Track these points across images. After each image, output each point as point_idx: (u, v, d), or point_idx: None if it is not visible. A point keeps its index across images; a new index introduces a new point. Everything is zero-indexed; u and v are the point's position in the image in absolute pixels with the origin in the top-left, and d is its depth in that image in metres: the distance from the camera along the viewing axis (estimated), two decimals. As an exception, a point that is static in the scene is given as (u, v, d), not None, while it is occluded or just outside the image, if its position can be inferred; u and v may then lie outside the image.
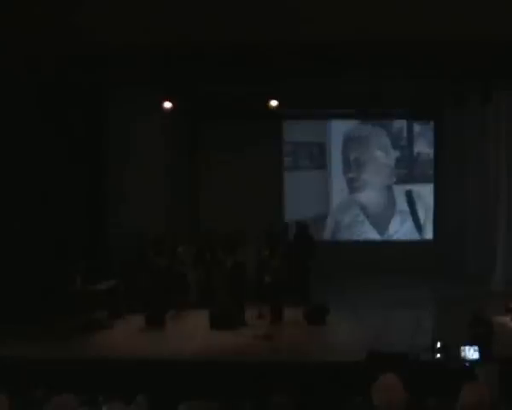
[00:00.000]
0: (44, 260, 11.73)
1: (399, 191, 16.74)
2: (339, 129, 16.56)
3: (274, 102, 13.13)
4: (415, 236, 16.45)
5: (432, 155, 16.34)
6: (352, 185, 16.84)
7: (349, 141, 16.75)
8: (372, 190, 16.78)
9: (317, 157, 16.61)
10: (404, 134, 16.44)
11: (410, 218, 16.67)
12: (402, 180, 16.73)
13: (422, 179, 16.52)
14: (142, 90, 12.58)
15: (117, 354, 9.86)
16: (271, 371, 8.70)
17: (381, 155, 16.69)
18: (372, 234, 16.55)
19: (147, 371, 8.71)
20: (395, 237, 16.39)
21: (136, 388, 6.80)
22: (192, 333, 11.13)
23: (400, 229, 16.61)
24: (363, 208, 16.78)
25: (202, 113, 15.25)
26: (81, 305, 11.34)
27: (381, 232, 16.64)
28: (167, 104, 13.23)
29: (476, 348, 8.31)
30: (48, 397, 5.74)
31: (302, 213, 15.68)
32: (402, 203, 16.77)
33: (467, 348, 8.34)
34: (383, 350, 8.64)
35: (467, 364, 8.21)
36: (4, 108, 10.77)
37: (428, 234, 16.49)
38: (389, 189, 16.79)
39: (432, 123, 16.23)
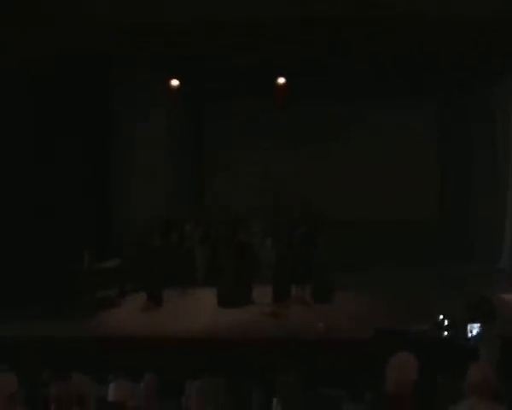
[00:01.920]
0: (52, 239, 11.87)
1: (407, 171, 16.18)
2: (342, 114, 16.16)
3: (282, 80, 13.10)
4: (421, 215, 16.00)
5: (439, 140, 16.12)
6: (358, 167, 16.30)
7: (354, 126, 16.18)
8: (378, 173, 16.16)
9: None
10: (413, 119, 15.94)
11: (416, 197, 16.13)
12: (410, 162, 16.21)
13: (430, 162, 16.24)
14: (147, 72, 12.83)
15: (125, 332, 9.93)
16: (278, 348, 8.80)
17: (388, 140, 16.16)
18: (378, 213, 16.10)
19: (154, 349, 8.82)
20: (402, 217, 15.87)
21: (144, 365, 6.85)
22: (199, 311, 11.15)
23: (407, 209, 16.06)
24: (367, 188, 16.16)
25: (209, 98, 15.39)
26: (89, 283, 11.43)
27: (386, 211, 16.12)
28: (174, 82, 13.26)
29: (479, 326, 8.32)
30: (55, 378, 5.85)
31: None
32: (409, 185, 16.13)
33: (471, 325, 8.38)
34: (390, 328, 8.69)
35: (471, 341, 8.21)
36: (10, 103, 11.08)
37: (435, 213, 16.11)
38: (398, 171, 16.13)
39: (439, 107, 15.92)
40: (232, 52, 11.46)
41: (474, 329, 8.40)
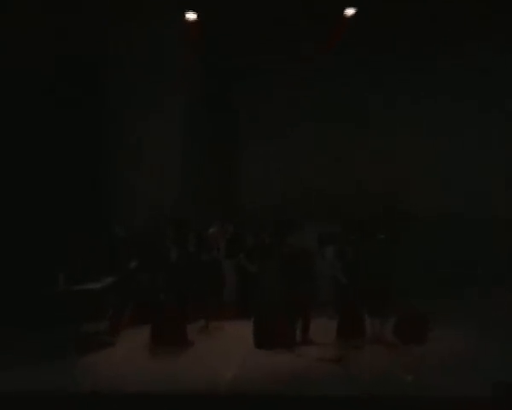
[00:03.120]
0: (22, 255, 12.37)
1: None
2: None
3: (351, 10, 13.95)
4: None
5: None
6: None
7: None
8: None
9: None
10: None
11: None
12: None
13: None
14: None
15: (121, 386, 9.86)
16: (344, 409, 8.92)
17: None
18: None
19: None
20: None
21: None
22: (229, 354, 11.15)
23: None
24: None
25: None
26: (66, 312, 11.44)
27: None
28: (191, 16, 14.39)
29: None
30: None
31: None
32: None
33: None
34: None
35: None
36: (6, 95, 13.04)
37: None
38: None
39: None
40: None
41: None
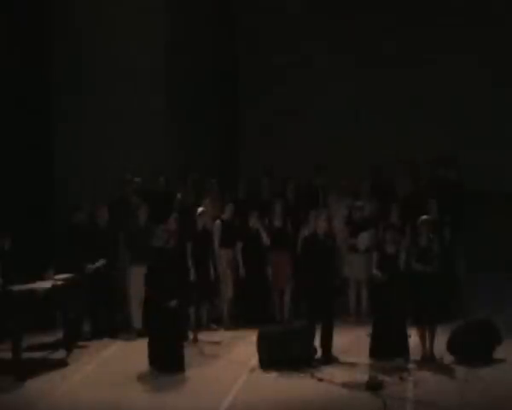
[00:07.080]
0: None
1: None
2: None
3: None
4: None
5: None
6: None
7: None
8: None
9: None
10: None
11: None
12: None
13: None
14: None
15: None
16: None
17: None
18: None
19: None
20: None
21: None
22: (224, 377, 10.27)
23: None
24: None
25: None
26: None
27: None
28: None
29: None
30: None
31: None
32: None
33: None
34: None
35: None
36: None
37: None
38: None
39: None
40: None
41: None
